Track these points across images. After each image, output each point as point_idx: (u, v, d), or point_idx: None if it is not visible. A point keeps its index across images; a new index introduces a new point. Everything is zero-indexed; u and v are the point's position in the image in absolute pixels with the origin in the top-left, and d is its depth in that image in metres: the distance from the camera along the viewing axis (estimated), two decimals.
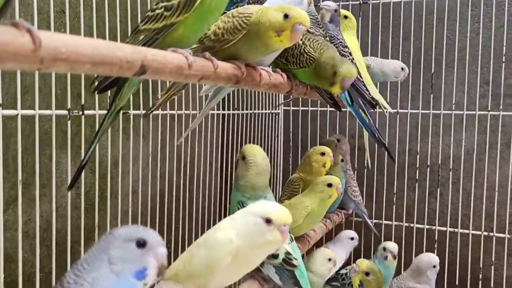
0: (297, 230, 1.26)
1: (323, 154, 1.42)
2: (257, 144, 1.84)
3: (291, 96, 1.37)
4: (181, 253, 1.40)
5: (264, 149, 1.87)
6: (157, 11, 0.72)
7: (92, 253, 0.61)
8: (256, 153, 1.11)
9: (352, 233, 1.67)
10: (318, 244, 1.96)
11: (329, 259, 1.38)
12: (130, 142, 1.20)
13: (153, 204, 1.31)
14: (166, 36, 0.72)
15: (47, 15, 1.10)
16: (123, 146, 1.22)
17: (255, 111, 1.81)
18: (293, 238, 1.07)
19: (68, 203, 1.01)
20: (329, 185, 1.28)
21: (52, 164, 0.90)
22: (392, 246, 1.54)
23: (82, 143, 0.97)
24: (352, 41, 1.45)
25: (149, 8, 1.06)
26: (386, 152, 1.87)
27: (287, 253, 1.02)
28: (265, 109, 1.89)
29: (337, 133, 1.93)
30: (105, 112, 1.01)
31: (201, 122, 1.52)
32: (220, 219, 1.71)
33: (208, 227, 1.59)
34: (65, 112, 0.88)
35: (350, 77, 1.05)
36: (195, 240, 1.46)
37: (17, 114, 0.77)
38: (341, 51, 1.30)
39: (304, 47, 1.10)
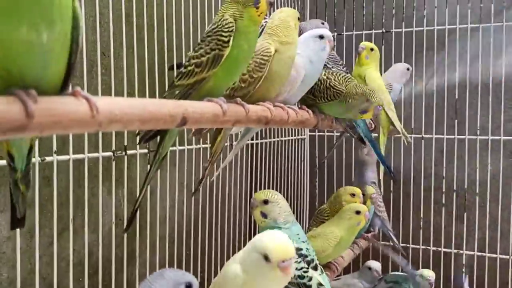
0: (325, 258, 1.30)
1: (353, 195, 1.46)
2: (284, 169, 1.89)
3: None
4: (213, 275, 1.47)
5: (290, 175, 1.94)
6: (189, 68, 0.79)
7: None
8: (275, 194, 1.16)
9: (374, 264, 1.64)
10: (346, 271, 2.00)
11: None
12: (167, 174, 1.27)
13: (188, 229, 1.38)
14: (199, 89, 0.79)
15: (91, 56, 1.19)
16: (158, 176, 1.29)
17: (281, 139, 1.87)
18: (323, 270, 1.11)
19: (113, 232, 1.09)
20: (357, 212, 1.32)
21: (99, 199, 0.97)
22: (430, 274, 1.47)
23: (125, 181, 1.04)
24: (376, 74, 1.50)
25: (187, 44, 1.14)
26: (412, 178, 1.91)
27: (319, 284, 1.06)
28: (291, 136, 1.95)
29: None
30: (144, 150, 1.09)
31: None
32: (247, 239, 1.77)
33: (239, 248, 1.66)
34: (109, 153, 0.95)
35: (381, 104, 1.11)
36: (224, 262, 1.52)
37: (69, 159, 0.85)
38: None
39: (329, 81, 1.16)
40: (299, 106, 1.11)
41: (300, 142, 2.04)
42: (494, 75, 1.81)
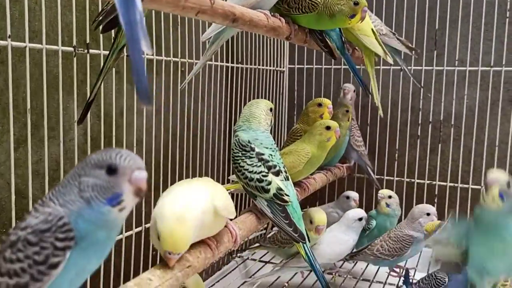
0: (297, 175, 1.31)
1: (319, 105, 1.45)
2: (261, 97, 1.87)
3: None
4: None
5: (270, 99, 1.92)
6: None
7: (66, 178, 0.61)
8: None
9: (360, 213, 1.63)
10: (320, 201, 2.03)
11: None
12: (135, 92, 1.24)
13: (157, 155, 1.36)
14: None
15: None
16: (127, 96, 1.26)
17: (260, 67, 1.85)
18: (289, 178, 1.12)
19: (75, 146, 1.07)
20: (328, 127, 1.31)
21: (60, 107, 0.94)
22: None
23: (88, 86, 1.01)
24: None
25: None
26: (389, 110, 1.91)
27: (279, 188, 1.06)
28: (270, 66, 1.92)
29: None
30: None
31: (206, 73, 1.56)
32: (224, 171, 1.77)
33: (217, 176, 1.66)
34: (71, 49, 0.92)
35: (366, 5, 1.11)
36: None
37: (25, 47, 0.81)
38: None
39: None
40: (272, 14, 1.08)
41: (279, 74, 2.01)
42: (475, 6, 1.78)
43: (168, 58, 1.29)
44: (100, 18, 0.78)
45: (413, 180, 1.92)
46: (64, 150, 1.24)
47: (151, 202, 1.21)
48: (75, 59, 0.93)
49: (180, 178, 1.43)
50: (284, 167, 1.11)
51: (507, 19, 1.74)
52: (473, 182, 1.85)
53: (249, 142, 1.07)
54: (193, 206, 0.79)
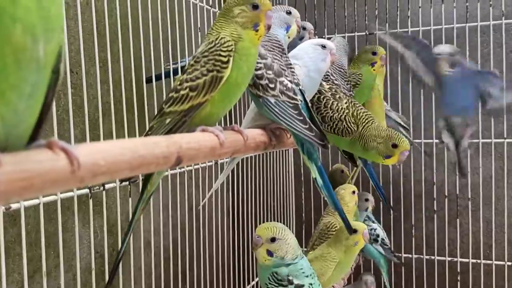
0: (327, 283, 1.21)
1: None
2: (269, 182, 1.80)
3: None
4: None
5: (275, 186, 1.84)
6: (182, 92, 0.68)
7: None
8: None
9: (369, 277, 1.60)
10: None
11: None
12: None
13: (175, 253, 1.27)
14: (194, 117, 0.68)
15: None
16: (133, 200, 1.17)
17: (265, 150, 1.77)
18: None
19: (92, 267, 0.97)
20: (354, 231, 1.23)
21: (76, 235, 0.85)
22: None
23: (105, 218, 0.92)
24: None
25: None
26: (402, 185, 1.84)
27: None
28: None
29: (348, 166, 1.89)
30: (125, 183, 0.97)
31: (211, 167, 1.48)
32: (231, 262, 1.67)
33: (222, 270, 1.56)
34: (86, 191, 0.83)
35: (408, 149, 1.02)
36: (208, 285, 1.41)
37: (39, 204, 0.72)
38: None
39: (346, 114, 1.05)
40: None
41: (284, 152, 1.94)
42: None
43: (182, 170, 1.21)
44: None
45: (432, 257, 1.84)
46: (71, 276, 1.13)
47: None
48: (90, 200, 0.84)
49: (191, 273, 1.32)
50: None
51: None
52: (496, 257, 1.77)
53: (287, 275, 0.97)
54: None
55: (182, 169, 1.22)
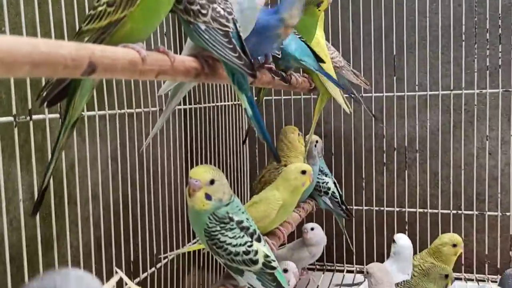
0: (270, 225, 1.22)
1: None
2: (222, 136, 1.79)
3: None
4: (149, 256, 1.35)
5: (229, 141, 1.84)
6: (99, 8, 0.65)
7: None
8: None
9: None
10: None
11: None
12: (86, 145, 1.12)
13: (116, 208, 1.24)
14: (113, 34, 0.66)
15: None
16: (78, 149, 1.14)
17: (218, 104, 1.76)
18: (267, 240, 1.02)
19: (21, 213, 0.93)
20: (303, 172, 1.24)
21: (0, 175, 0.82)
22: None
23: (33, 151, 0.89)
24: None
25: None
26: (352, 137, 1.86)
27: (266, 256, 0.96)
28: (228, 101, 1.84)
29: (302, 120, 1.90)
30: (56, 115, 0.94)
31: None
32: (185, 216, 1.66)
33: (176, 226, 1.55)
34: (10, 118, 0.80)
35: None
36: (159, 243, 1.40)
37: None
38: None
39: None
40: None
41: (238, 108, 1.93)
42: (431, 29, 1.78)
43: (122, 111, 1.18)
44: (45, 92, 0.67)
45: (382, 208, 1.88)
46: (8, 221, 1.10)
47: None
48: (16, 129, 0.81)
49: (142, 228, 1.31)
50: (255, 225, 1.01)
51: (463, 42, 1.74)
52: (442, 206, 1.83)
53: (227, 212, 0.96)
54: None
55: (123, 111, 1.19)
